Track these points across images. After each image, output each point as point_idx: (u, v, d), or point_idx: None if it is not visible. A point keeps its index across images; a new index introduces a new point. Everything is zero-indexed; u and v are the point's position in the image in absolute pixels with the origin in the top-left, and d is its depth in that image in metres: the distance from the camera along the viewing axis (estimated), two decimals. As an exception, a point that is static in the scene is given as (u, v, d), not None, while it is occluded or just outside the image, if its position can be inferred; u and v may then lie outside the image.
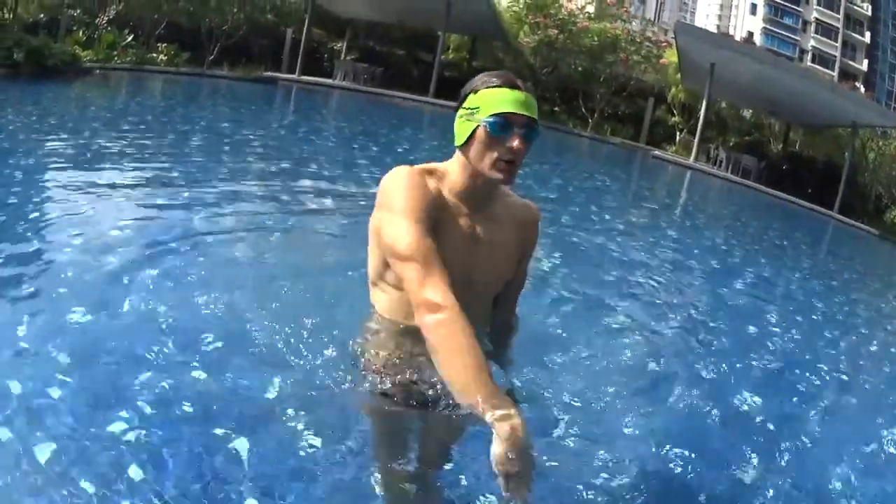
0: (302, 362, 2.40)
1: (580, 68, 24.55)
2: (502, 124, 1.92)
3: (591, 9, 26.17)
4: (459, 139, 2.02)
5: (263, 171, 7.99)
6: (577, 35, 24.04)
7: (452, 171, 2.07)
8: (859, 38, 69.10)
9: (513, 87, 1.95)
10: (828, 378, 4.61)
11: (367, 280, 2.21)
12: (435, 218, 1.95)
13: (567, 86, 25.08)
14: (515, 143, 1.92)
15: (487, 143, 1.95)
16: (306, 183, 7.54)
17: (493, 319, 2.31)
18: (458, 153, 2.07)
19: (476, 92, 1.98)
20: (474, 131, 1.97)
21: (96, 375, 2.61)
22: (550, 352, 3.03)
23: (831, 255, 13.26)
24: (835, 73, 63.12)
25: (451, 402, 1.75)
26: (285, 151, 9.91)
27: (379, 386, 2.03)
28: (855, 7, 69.56)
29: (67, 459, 2.10)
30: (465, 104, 2.00)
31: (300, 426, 2.39)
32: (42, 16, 21.40)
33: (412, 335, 1.96)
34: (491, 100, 1.94)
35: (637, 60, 24.77)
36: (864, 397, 4.54)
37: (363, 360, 2.13)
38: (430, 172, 2.07)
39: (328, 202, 6.63)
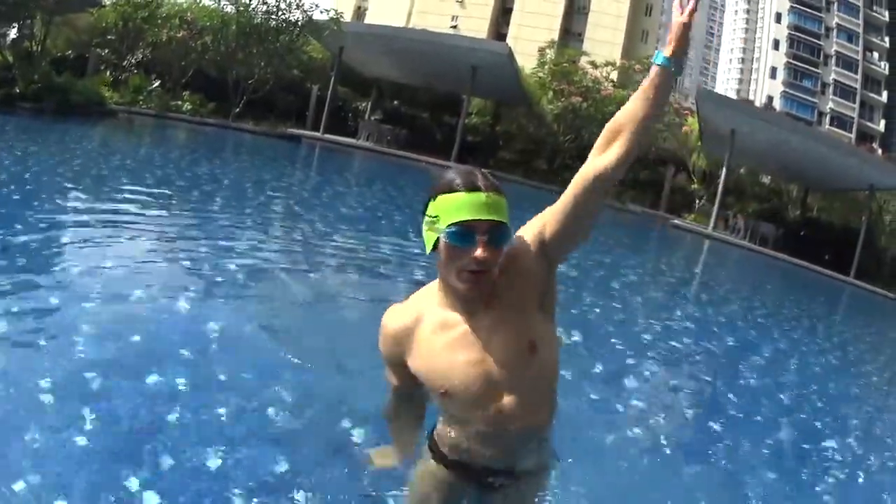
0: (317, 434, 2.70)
1: (602, 136, 24.80)
2: (462, 234, 1.78)
3: (615, 76, 26.58)
4: (427, 248, 1.88)
5: (286, 236, 8.16)
6: (600, 102, 24.50)
7: (439, 280, 1.96)
8: (876, 97, 69.52)
9: (472, 189, 1.79)
10: (842, 455, 4.71)
11: None
12: (402, 347, 2.00)
13: (589, 153, 25.14)
14: (479, 252, 1.77)
15: (451, 254, 1.81)
16: (329, 252, 7.60)
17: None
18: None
19: (434, 198, 1.83)
20: (437, 242, 1.84)
21: (116, 438, 2.73)
22: (565, 432, 3.04)
23: (846, 325, 13.38)
24: (852, 135, 63.45)
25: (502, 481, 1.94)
26: (308, 217, 10.03)
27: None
28: (872, 66, 70.17)
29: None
30: (427, 211, 1.86)
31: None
32: (70, 52, 21.98)
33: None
34: (449, 207, 1.79)
35: (659, 129, 25.07)
36: (881, 473, 4.65)
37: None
38: (418, 296, 2.04)
39: (352, 276, 6.72)
